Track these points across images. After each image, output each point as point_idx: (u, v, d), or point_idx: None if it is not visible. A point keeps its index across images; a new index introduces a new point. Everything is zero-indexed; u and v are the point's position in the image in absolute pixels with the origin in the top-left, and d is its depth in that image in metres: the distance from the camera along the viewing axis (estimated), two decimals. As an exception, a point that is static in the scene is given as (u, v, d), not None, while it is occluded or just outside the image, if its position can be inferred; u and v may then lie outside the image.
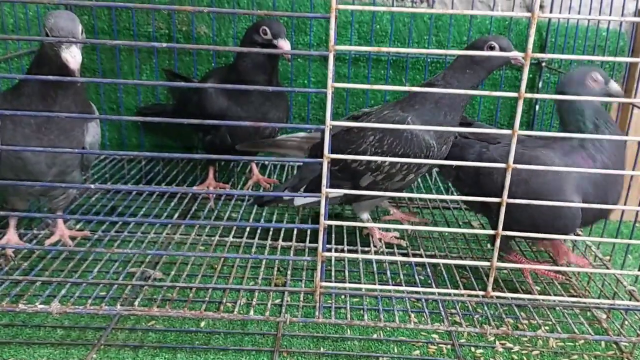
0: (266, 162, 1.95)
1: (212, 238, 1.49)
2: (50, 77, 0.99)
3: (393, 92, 1.89)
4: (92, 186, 1.04)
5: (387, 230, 1.51)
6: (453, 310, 1.30)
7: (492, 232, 0.98)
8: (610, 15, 1.57)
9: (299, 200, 1.43)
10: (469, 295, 1.15)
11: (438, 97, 1.29)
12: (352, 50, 1.81)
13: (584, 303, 1.21)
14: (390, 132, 1.30)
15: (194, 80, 1.81)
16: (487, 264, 1.00)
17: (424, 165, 1.34)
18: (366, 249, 1.46)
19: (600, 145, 1.21)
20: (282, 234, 1.51)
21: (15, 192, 1.31)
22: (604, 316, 1.30)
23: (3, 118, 1.18)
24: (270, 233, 1.53)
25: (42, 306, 1.11)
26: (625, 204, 1.32)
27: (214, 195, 1.74)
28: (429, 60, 1.85)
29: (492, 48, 1.25)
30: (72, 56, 1.06)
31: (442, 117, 1.29)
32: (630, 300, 1.25)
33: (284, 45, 1.43)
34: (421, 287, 1.33)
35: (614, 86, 1.24)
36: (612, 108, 1.83)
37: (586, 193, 1.19)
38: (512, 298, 1.18)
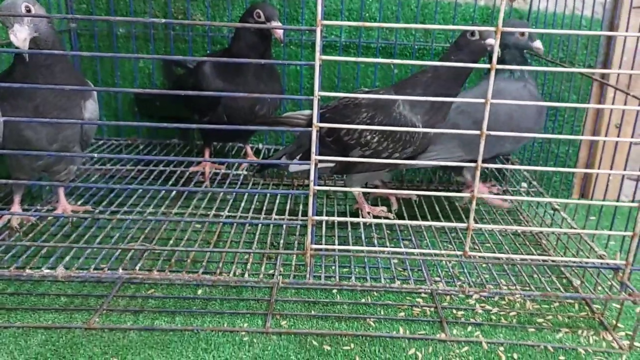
0: (260, 146, 2.02)
1: (208, 214, 1.56)
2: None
3: (382, 77, 1.97)
4: (95, 155, 1.11)
5: (375, 204, 1.58)
6: (437, 278, 1.38)
7: (472, 164, 1.03)
8: (584, 3, 1.65)
9: (294, 167, 1.52)
10: (448, 256, 1.22)
11: (427, 84, 1.37)
12: (343, 35, 1.90)
13: (555, 262, 1.29)
14: (381, 110, 1.38)
15: (189, 65, 1.87)
16: (464, 225, 1.07)
17: (409, 147, 1.41)
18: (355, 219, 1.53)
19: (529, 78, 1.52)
20: (275, 211, 1.58)
21: (20, 168, 1.37)
22: (578, 281, 1.38)
23: (1, 103, 1.24)
24: (264, 211, 1.60)
25: (47, 271, 1.18)
26: (595, 181, 1.40)
27: (210, 175, 1.80)
28: (416, 47, 1.93)
29: (472, 34, 1.34)
30: (14, 35, 1.13)
31: (430, 104, 1.37)
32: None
33: (277, 25, 1.50)
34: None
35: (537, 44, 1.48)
36: (589, 92, 1.92)
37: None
38: (488, 257, 1.26)
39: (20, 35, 1.13)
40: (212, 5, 1.90)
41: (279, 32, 1.50)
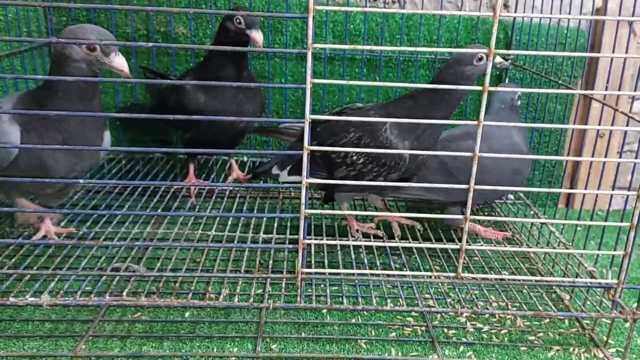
0: (245, 159, 1.99)
1: (195, 233, 1.53)
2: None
3: (368, 90, 1.96)
4: (81, 181, 1.08)
5: (364, 221, 1.57)
6: (427, 296, 1.37)
7: (460, 216, 1.05)
8: (570, 13, 1.66)
9: (283, 177, 1.50)
10: (441, 277, 1.21)
11: (416, 108, 1.31)
12: (329, 49, 1.89)
13: (547, 282, 1.29)
14: (369, 133, 1.34)
15: (171, 77, 1.85)
16: (457, 246, 1.07)
17: (393, 172, 1.37)
18: (344, 239, 1.51)
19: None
20: (262, 227, 1.56)
21: (23, 193, 1.37)
22: (567, 297, 1.38)
23: (29, 131, 1.21)
24: (252, 227, 1.57)
25: (32, 299, 1.15)
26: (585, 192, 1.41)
27: (195, 191, 1.78)
28: (400, 59, 1.93)
29: (480, 59, 1.25)
30: (118, 60, 1.18)
31: (421, 131, 1.32)
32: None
33: (257, 36, 1.47)
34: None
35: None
36: (573, 102, 1.93)
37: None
38: (481, 279, 1.26)
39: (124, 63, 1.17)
40: (194, 17, 1.88)
41: (259, 42, 1.47)
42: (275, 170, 1.53)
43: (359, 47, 0.99)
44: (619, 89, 1.39)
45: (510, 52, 1.02)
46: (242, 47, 1.54)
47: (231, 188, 1.84)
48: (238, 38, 1.51)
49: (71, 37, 1.15)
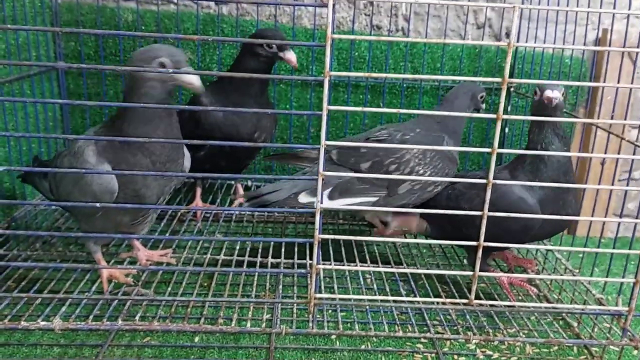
0: (249, 183, 2.00)
1: (204, 257, 1.53)
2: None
3: (371, 116, 1.98)
4: (98, 205, 1.09)
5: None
6: (436, 322, 1.37)
7: (474, 243, 1.06)
8: (573, 43, 1.70)
9: (326, 203, 1.41)
10: (452, 304, 1.22)
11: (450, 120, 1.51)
12: (345, 77, 1.91)
13: (557, 309, 1.30)
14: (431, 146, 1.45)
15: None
16: (470, 273, 1.08)
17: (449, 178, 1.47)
18: (352, 264, 1.52)
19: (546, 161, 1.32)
20: (270, 251, 1.57)
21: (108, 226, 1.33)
22: (576, 323, 1.39)
23: (119, 164, 1.18)
24: (260, 251, 1.58)
25: (44, 323, 1.14)
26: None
27: (202, 216, 1.78)
28: (404, 85, 1.95)
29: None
30: (188, 76, 1.12)
31: (460, 135, 1.52)
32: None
33: (291, 56, 1.53)
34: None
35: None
36: (576, 130, 1.95)
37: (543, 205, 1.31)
38: (491, 306, 1.26)
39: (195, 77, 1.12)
40: (201, 43, 1.90)
41: (294, 61, 1.53)
42: (304, 198, 1.43)
43: (375, 75, 1.02)
44: (625, 116, 1.41)
45: (522, 81, 1.05)
46: (269, 68, 1.59)
47: (237, 212, 1.85)
48: (268, 61, 1.56)
49: (141, 59, 1.14)
